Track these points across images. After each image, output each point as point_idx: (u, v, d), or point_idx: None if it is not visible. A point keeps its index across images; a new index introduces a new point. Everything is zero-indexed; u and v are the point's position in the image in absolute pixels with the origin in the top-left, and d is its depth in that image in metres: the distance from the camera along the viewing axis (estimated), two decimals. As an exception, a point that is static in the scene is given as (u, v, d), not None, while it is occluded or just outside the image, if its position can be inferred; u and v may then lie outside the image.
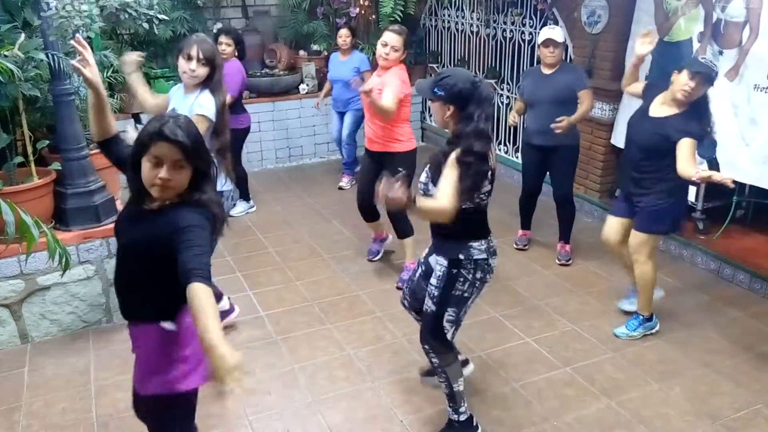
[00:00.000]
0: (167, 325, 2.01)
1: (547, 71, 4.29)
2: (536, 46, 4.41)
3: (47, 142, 3.66)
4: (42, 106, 3.65)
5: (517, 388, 3.16)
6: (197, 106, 3.12)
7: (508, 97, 6.18)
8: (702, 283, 4.20)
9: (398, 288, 4.14)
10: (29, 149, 3.50)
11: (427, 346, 2.70)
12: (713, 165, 4.26)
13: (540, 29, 5.53)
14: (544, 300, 3.98)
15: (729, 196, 4.45)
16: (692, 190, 4.58)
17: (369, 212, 4.35)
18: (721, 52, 4.14)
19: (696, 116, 3.21)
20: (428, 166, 2.59)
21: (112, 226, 3.61)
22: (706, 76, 3.15)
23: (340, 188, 6.11)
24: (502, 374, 3.27)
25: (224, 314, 3.58)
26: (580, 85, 4.22)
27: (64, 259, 2.44)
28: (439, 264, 2.62)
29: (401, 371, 3.30)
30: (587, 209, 5.32)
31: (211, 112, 3.13)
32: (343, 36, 5.75)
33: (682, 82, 3.17)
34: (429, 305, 2.64)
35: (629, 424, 2.91)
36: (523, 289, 4.13)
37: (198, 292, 1.68)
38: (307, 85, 6.74)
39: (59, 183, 3.59)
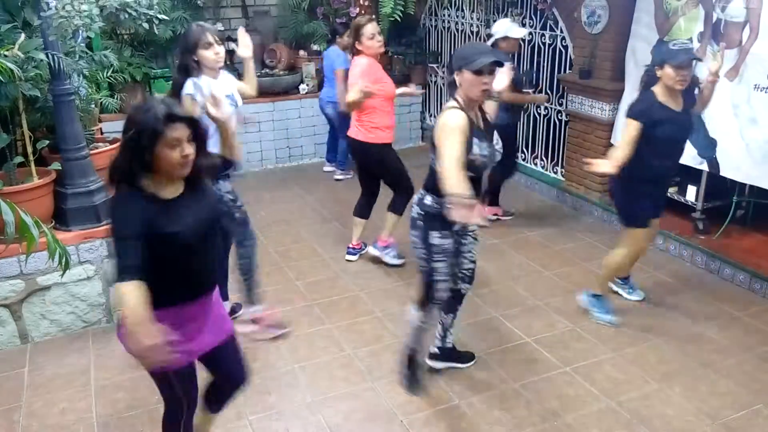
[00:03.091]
0: None
1: None
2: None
3: (47, 142, 3.66)
4: (42, 106, 3.65)
5: (517, 388, 3.16)
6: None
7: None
8: (702, 283, 4.20)
9: (348, 260, 4.51)
10: (29, 149, 3.50)
11: None
12: (713, 165, 4.27)
13: (540, 29, 5.55)
14: (544, 300, 3.98)
15: (729, 196, 4.45)
16: (692, 190, 4.59)
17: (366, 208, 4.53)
18: (721, 52, 4.14)
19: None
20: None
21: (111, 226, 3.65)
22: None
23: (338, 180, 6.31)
24: (502, 374, 3.27)
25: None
26: None
27: (64, 259, 2.44)
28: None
29: (401, 371, 3.30)
30: (587, 209, 5.32)
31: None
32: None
33: (672, 75, 3.19)
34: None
35: (629, 424, 2.91)
36: (523, 289, 4.13)
37: None
38: (307, 85, 6.74)
39: (59, 183, 3.59)
